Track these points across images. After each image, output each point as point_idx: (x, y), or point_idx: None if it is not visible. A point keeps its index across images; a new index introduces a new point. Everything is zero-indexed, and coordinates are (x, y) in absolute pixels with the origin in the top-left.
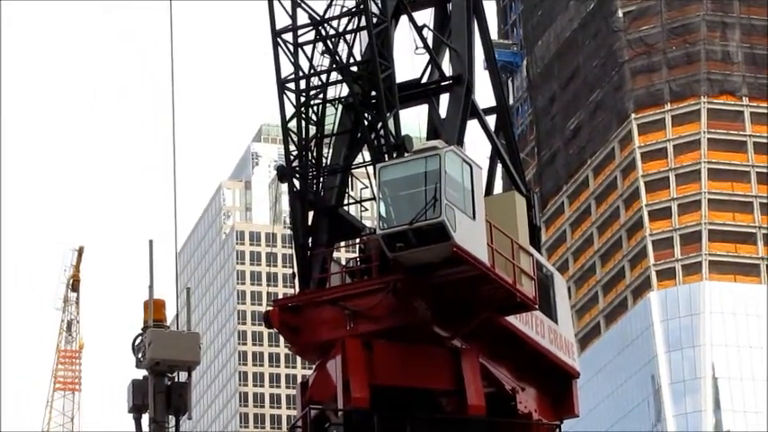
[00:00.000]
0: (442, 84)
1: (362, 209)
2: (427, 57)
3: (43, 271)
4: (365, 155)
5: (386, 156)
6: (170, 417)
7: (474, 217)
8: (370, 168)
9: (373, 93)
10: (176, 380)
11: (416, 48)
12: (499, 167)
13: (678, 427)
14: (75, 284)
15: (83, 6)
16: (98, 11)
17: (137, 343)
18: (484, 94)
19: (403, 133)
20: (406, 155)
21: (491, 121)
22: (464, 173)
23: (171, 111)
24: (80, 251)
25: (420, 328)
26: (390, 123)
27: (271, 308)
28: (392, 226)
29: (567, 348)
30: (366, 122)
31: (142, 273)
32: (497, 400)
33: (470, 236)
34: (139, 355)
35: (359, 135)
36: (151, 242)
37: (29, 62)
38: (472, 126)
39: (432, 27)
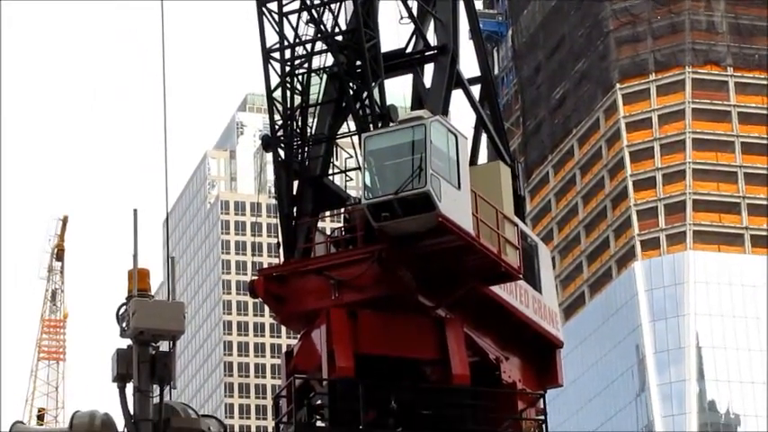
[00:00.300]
0: (427, 54)
1: (347, 178)
2: (412, 26)
3: (28, 240)
4: (350, 124)
5: (371, 125)
6: (154, 386)
7: (459, 187)
8: (356, 138)
9: (358, 62)
10: (161, 349)
11: (401, 17)
12: (484, 137)
13: (662, 396)
14: (59, 254)
15: (83, 6)
16: (98, 13)
17: (121, 312)
18: (468, 64)
19: (388, 103)
20: (391, 124)
21: (475, 90)
22: (449, 143)
23: (161, 83)
24: (64, 220)
25: (405, 297)
26: (375, 93)
27: (256, 277)
28: (377, 196)
29: (551, 318)
30: (351, 92)
31: (127, 242)
32: (481, 370)
33: (455, 206)
34: (123, 325)
35: (344, 105)
36: (135, 211)
37: (27, 66)
38: (456, 96)
39: None
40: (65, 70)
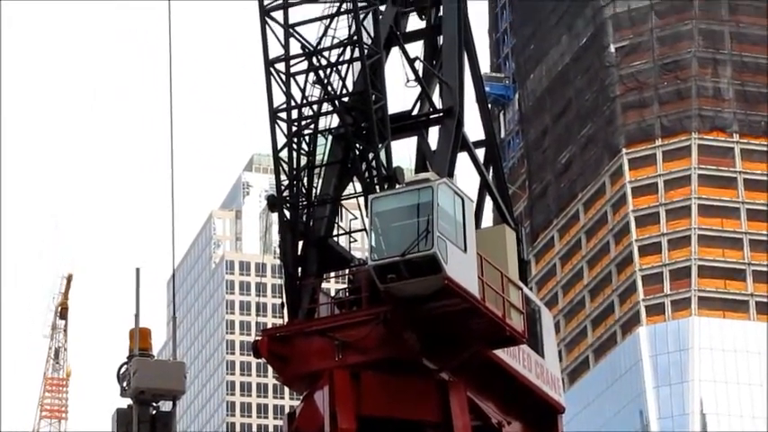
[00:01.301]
0: (433, 116)
1: (352, 240)
2: (418, 89)
3: (32, 298)
4: (356, 186)
5: (377, 187)
6: None
7: (465, 250)
8: (361, 199)
9: (364, 124)
10: (161, 409)
11: (407, 80)
12: (488, 200)
13: None
14: (63, 312)
15: (83, 6)
16: (98, 13)
17: (122, 371)
18: (474, 127)
19: (394, 165)
20: (398, 186)
21: (480, 154)
22: (456, 206)
23: (169, 145)
24: (69, 278)
25: (409, 360)
26: (382, 155)
27: (260, 337)
28: (384, 257)
29: (553, 383)
30: (357, 153)
31: (131, 300)
32: None
33: (461, 268)
34: (124, 384)
35: (349, 166)
36: (138, 270)
37: (27, 66)
38: (461, 158)
39: (422, 59)
40: (64, 75)
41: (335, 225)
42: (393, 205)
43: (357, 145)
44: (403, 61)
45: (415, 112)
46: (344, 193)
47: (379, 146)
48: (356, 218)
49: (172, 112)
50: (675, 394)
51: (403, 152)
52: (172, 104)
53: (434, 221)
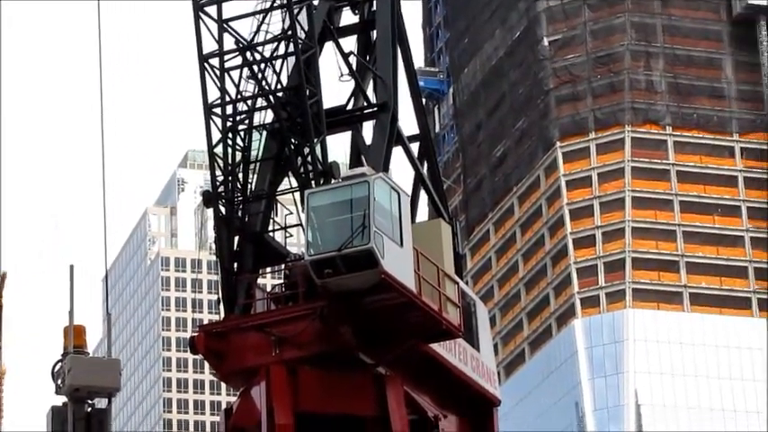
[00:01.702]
0: (368, 111)
1: (288, 235)
2: (352, 83)
3: None
4: (291, 181)
5: (313, 182)
6: None
7: (402, 244)
8: (297, 194)
9: (300, 119)
10: (97, 407)
11: (341, 74)
12: (422, 195)
13: None
14: None
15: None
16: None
17: (56, 369)
18: (408, 122)
19: (330, 160)
20: (333, 181)
21: (415, 148)
22: (392, 200)
23: (100, 138)
24: (3, 277)
25: (345, 354)
26: (318, 150)
27: (196, 333)
28: (320, 252)
29: (489, 376)
30: (292, 148)
31: (65, 298)
32: (420, 428)
33: (398, 263)
34: (59, 382)
35: (283, 162)
36: (72, 267)
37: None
38: (395, 153)
39: (356, 54)
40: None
41: (271, 220)
42: (329, 200)
43: (292, 140)
44: (337, 56)
45: (349, 107)
46: (280, 189)
47: (315, 140)
48: (292, 213)
49: (102, 109)
50: (611, 386)
51: (337, 147)
52: (102, 101)
53: (371, 216)
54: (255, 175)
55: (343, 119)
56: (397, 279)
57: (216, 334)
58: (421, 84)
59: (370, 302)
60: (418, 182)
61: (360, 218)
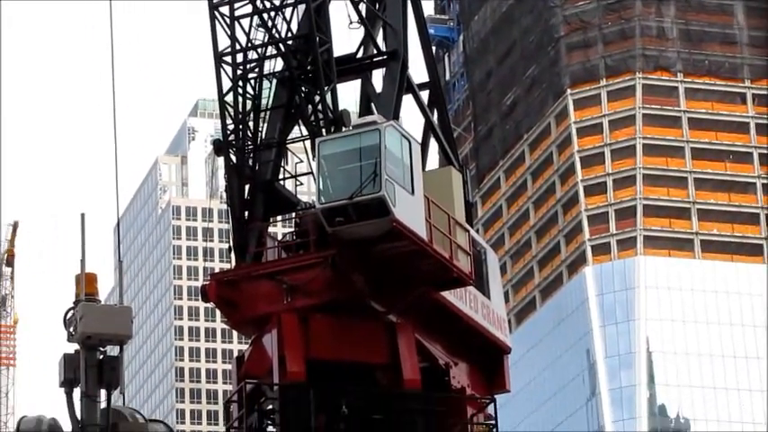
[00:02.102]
0: (378, 59)
1: (298, 183)
2: (361, 31)
3: None
4: (301, 129)
5: (323, 130)
6: (102, 391)
7: (413, 192)
8: (307, 143)
9: (310, 67)
10: (109, 354)
11: (351, 22)
12: (432, 143)
13: (613, 400)
14: (9, 259)
15: None
16: None
17: (68, 317)
18: (418, 70)
19: (340, 108)
20: (344, 129)
21: (425, 96)
22: (403, 148)
23: (111, 86)
24: (15, 226)
25: (356, 302)
26: (328, 98)
27: (207, 282)
28: (331, 200)
29: (499, 324)
30: (303, 97)
31: (77, 247)
32: (431, 375)
33: (409, 211)
34: (71, 329)
35: (293, 110)
36: (83, 215)
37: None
38: (404, 101)
39: (366, 1)
40: (13, 70)
41: (281, 169)
42: (340, 148)
43: (303, 88)
44: (347, 3)
45: (359, 55)
46: (290, 137)
47: (326, 89)
48: (302, 161)
49: (113, 58)
50: (622, 333)
51: (347, 95)
52: (113, 50)
53: (382, 164)
54: (265, 124)
55: (352, 67)
56: (409, 227)
57: (227, 282)
58: (431, 31)
59: (382, 250)
60: (428, 130)
61: (371, 166)
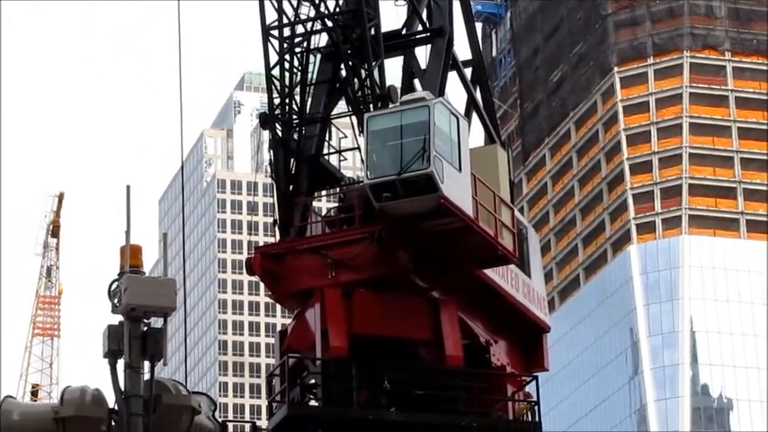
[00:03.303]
0: (424, 36)
1: (342, 158)
2: (406, 8)
3: (23, 217)
4: (346, 105)
5: (370, 106)
6: (146, 363)
7: (460, 169)
8: (353, 118)
9: (358, 42)
10: (152, 326)
11: None
12: (475, 120)
13: (655, 379)
14: (54, 230)
15: None
16: None
17: (113, 288)
18: (462, 46)
19: (387, 84)
20: (391, 105)
21: (468, 73)
22: (451, 125)
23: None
24: (60, 197)
25: (400, 278)
26: (375, 73)
27: (253, 255)
28: (380, 176)
29: (540, 303)
30: (350, 72)
31: (122, 219)
32: (471, 352)
33: (457, 188)
34: (115, 301)
35: (338, 85)
36: (128, 187)
37: (27, 35)
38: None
39: None
40: (61, 47)
41: (326, 144)
42: (389, 124)
43: (350, 63)
44: None
45: (404, 32)
46: (334, 112)
47: (373, 64)
48: (346, 137)
49: (180, 28)
50: (665, 312)
51: (388, 72)
52: (180, 22)
53: (431, 140)
54: (310, 99)
55: (398, 43)
56: (456, 204)
57: (272, 255)
58: (478, 8)
59: (428, 227)
60: (471, 107)
61: (420, 142)
